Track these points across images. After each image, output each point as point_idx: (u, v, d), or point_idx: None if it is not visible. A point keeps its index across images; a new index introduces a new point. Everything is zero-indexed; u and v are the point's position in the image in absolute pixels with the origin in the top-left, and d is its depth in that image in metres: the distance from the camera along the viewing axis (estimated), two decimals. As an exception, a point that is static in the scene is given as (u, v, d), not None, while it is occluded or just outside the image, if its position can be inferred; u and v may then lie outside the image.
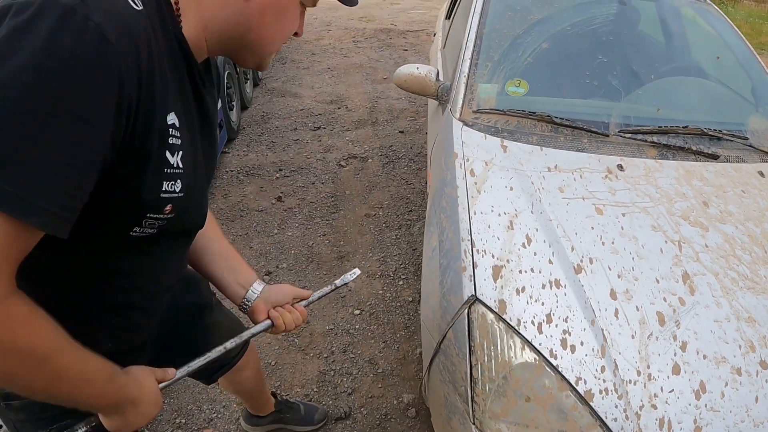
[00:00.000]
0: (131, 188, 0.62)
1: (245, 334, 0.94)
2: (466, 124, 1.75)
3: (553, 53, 1.88)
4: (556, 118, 1.65)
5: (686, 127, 1.59)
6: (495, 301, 1.21)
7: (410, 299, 2.49)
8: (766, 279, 1.25)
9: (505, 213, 1.39)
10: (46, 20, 0.50)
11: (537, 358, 1.13)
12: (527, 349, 1.15)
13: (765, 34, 8.47)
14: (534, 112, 1.69)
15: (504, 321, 1.19)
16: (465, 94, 1.82)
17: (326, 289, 1.06)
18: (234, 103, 3.82)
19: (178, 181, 0.66)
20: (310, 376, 2.05)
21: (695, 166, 1.52)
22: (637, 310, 1.18)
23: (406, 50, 6.38)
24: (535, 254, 1.28)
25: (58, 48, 0.50)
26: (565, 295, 1.20)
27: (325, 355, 2.14)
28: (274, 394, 1.72)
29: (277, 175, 3.46)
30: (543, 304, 1.19)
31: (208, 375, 1.26)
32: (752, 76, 1.89)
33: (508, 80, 1.83)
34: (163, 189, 0.65)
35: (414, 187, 3.41)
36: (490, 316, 1.20)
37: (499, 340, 1.17)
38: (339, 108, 4.57)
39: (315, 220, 3.03)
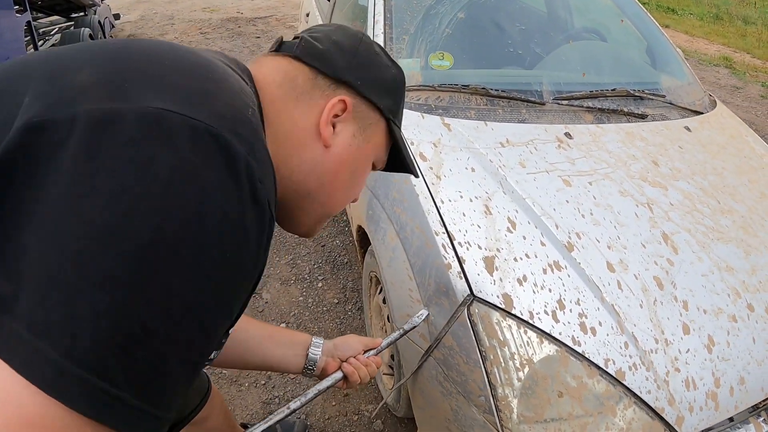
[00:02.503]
0: None
1: (311, 392, 0.85)
2: (396, 105, 1.59)
3: (471, 23, 1.79)
4: (492, 90, 1.57)
5: (614, 90, 1.62)
6: (498, 296, 1.09)
7: (336, 301, 2.29)
8: (727, 228, 1.30)
9: (476, 197, 1.27)
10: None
11: (559, 349, 1.04)
12: (546, 342, 1.05)
13: None
14: (467, 86, 1.59)
15: (514, 316, 1.07)
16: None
17: (395, 335, 1.00)
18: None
19: (225, 340, 0.55)
20: (252, 409, 1.77)
21: (632, 127, 1.55)
22: (636, 278, 1.15)
23: (258, 38, 5.98)
24: (524, 238, 1.18)
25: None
26: (569, 276, 1.12)
27: (263, 382, 1.86)
28: (244, 425, 1.45)
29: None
30: (550, 290, 1.10)
31: None
32: (647, 36, 2.01)
33: (430, 53, 1.70)
34: (212, 357, 0.53)
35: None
36: (495, 313, 1.08)
37: (512, 339, 1.05)
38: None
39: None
